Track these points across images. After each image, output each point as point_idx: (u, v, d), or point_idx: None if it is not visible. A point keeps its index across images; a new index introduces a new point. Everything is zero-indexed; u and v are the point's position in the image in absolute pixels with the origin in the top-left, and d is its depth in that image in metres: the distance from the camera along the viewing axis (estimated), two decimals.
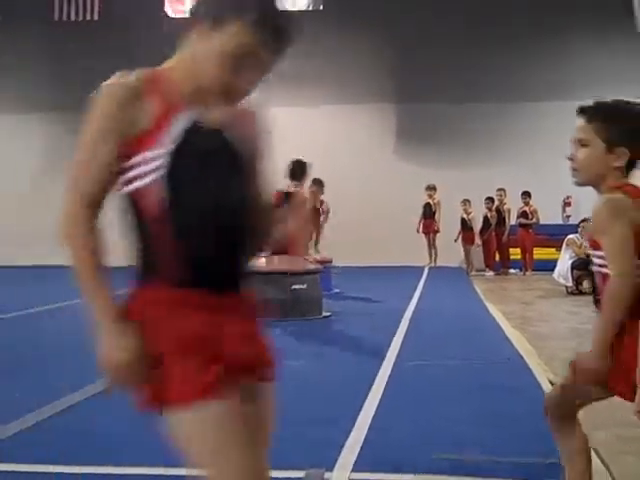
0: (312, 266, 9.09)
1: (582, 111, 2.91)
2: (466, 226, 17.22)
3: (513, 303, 9.98)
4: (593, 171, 2.89)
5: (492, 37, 18.96)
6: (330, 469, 3.54)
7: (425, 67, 19.05)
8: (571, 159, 2.93)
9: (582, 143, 2.89)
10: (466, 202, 17.14)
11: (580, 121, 2.91)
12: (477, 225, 17.26)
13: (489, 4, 19.11)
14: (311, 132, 19.40)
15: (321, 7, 17.77)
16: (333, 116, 19.47)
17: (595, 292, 2.84)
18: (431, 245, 17.70)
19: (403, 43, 19.21)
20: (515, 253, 17.06)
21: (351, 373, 5.84)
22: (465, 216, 17.27)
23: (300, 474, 3.49)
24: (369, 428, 4.22)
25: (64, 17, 17.83)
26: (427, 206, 17.66)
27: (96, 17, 17.83)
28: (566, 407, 2.97)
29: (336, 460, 3.66)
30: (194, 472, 1.92)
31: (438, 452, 3.60)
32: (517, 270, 17.05)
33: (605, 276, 2.77)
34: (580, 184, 2.98)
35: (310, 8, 17.77)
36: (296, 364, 6.25)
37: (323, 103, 19.28)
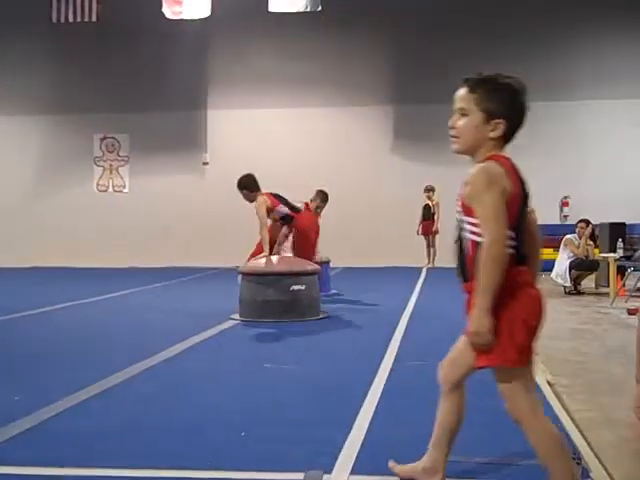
0: (310, 267, 9.08)
1: (465, 81, 3.04)
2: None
3: None
4: (471, 139, 3.02)
5: (491, 37, 18.98)
6: (329, 472, 3.54)
7: (424, 68, 19.05)
8: (452, 127, 3.07)
9: (462, 112, 3.02)
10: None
11: (462, 90, 3.04)
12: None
13: (488, 4, 19.12)
14: (312, 133, 19.43)
15: (319, 8, 17.75)
16: (333, 117, 19.46)
17: (461, 262, 2.90)
18: (430, 246, 17.70)
19: (402, 44, 19.22)
20: None
21: (349, 374, 5.84)
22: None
23: (299, 476, 3.49)
24: (367, 430, 4.21)
25: (62, 19, 17.81)
26: (426, 208, 17.68)
27: (94, 19, 17.81)
28: (456, 374, 3.19)
29: (334, 462, 3.66)
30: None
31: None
32: None
33: (476, 243, 2.89)
34: (458, 152, 3.10)
35: (308, 9, 17.77)
36: (294, 365, 6.25)
37: (323, 105, 19.28)
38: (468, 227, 2.95)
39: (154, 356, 6.62)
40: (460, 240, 3.03)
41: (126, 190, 20.45)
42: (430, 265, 17.41)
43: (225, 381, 5.74)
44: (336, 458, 3.72)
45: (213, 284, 14.75)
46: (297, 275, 8.77)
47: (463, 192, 2.98)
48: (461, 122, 3.02)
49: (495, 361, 2.90)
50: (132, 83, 19.92)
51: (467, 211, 2.95)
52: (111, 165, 20.49)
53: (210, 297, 12.08)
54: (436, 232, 17.48)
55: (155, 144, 20.02)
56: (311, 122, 19.41)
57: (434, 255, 17.60)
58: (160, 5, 17.92)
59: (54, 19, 17.95)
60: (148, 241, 19.64)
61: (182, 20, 18.30)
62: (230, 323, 8.77)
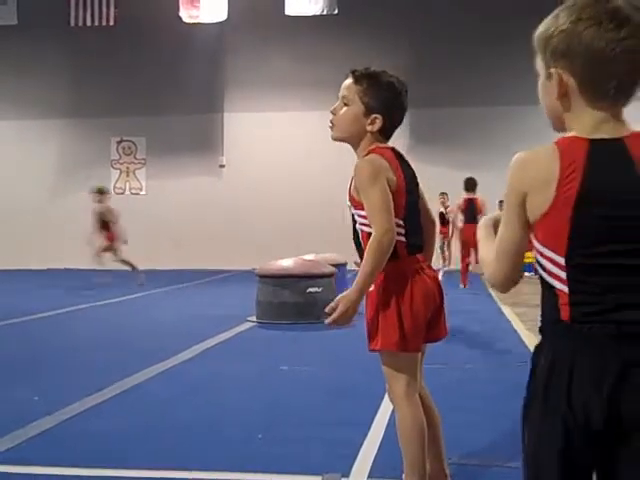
0: (327, 269, 9.08)
1: (352, 72, 3.11)
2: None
3: (525, 305, 9.97)
4: (347, 129, 3.10)
5: (507, 39, 18.91)
6: (346, 474, 3.54)
7: (441, 70, 19.03)
8: (332, 113, 3.16)
9: (345, 101, 3.10)
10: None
11: (349, 80, 3.11)
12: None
13: (503, 6, 19.05)
14: (328, 136, 19.38)
15: (336, 11, 17.77)
16: None
17: (359, 248, 2.99)
18: (446, 248, 17.64)
19: (419, 47, 19.20)
20: (528, 256, 16.92)
21: (366, 376, 5.83)
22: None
23: (316, 479, 3.49)
24: (385, 432, 4.20)
25: (80, 23, 17.92)
26: (441, 214, 17.61)
27: (112, 23, 17.91)
28: None
29: (352, 465, 3.66)
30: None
31: (455, 457, 3.58)
32: (531, 273, 16.94)
33: (367, 234, 2.96)
34: (335, 139, 3.20)
35: (325, 13, 17.79)
36: (311, 367, 6.25)
37: None
38: (359, 219, 3.03)
39: (171, 358, 6.64)
40: (355, 231, 3.09)
41: (143, 192, 20.52)
42: (447, 266, 17.34)
43: (242, 383, 5.75)
44: (354, 460, 3.71)
45: (230, 286, 14.78)
46: (314, 277, 8.77)
47: (351, 186, 3.04)
48: (342, 111, 3.10)
49: (378, 345, 2.98)
50: (149, 86, 19.99)
51: (356, 204, 3.02)
52: (128, 168, 20.58)
53: (227, 299, 12.10)
54: (451, 237, 17.38)
55: (172, 147, 20.08)
56: (327, 125, 19.41)
57: (449, 256, 17.51)
58: (177, 9, 17.99)
59: (72, 23, 18.06)
60: (164, 243, 19.69)
61: (199, 24, 18.36)
62: (247, 325, 8.78)
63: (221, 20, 18.28)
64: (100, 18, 17.81)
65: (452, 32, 19.07)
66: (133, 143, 20.53)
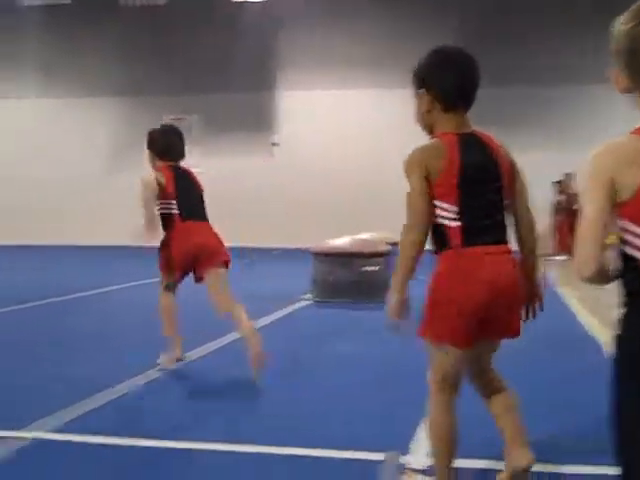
0: (382, 248, 9.03)
1: None
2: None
3: (586, 288, 9.80)
4: (418, 120, 3.02)
5: (563, 14, 18.56)
6: (406, 452, 3.51)
7: (498, 46, 18.73)
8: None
9: None
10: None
11: None
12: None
13: None
14: (381, 115, 19.23)
15: None
16: (405, 99, 19.27)
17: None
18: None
19: (482, 22, 18.92)
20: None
21: (424, 355, 5.78)
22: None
23: (376, 456, 3.47)
24: None
25: (130, 3, 18.04)
26: (558, 202, 17.31)
27: (162, 2, 17.98)
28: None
29: (411, 443, 3.63)
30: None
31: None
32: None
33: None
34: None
35: None
36: (368, 346, 6.23)
37: (394, 86, 19.11)
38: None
39: (226, 335, 6.66)
40: None
41: (196, 170, 20.59)
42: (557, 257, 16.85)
43: (299, 362, 5.74)
44: (413, 440, 3.69)
45: (282, 264, 14.81)
46: (369, 256, 8.73)
47: None
48: None
49: (419, 332, 2.92)
50: (202, 65, 20.04)
51: None
52: None
53: (280, 278, 12.12)
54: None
55: (224, 125, 20.13)
56: (381, 103, 19.26)
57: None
58: None
59: (122, 2, 18.16)
60: (217, 222, 19.74)
61: (250, 1, 18.32)
62: (302, 303, 8.78)
63: None
64: None
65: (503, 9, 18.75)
66: (187, 121, 20.60)
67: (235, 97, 20.01)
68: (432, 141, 2.91)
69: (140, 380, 5.03)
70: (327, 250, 8.91)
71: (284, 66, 20.00)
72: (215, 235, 5.31)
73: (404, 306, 2.84)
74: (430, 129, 2.97)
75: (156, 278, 5.61)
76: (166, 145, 5.55)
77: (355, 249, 8.81)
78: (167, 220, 5.28)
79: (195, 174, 5.69)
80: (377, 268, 8.67)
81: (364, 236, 9.67)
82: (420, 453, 3.51)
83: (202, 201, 5.51)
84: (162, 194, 5.25)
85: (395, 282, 2.85)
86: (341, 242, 9.00)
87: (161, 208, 5.28)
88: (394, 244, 9.76)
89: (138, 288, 10.38)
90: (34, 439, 3.78)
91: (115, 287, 10.50)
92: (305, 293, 9.15)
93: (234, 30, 19.60)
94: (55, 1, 18.95)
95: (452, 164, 2.79)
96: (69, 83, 20.95)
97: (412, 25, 18.96)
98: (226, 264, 5.21)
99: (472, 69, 2.95)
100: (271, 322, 7.51)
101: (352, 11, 19.15)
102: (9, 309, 8.39)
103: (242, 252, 16.87)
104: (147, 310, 8.38)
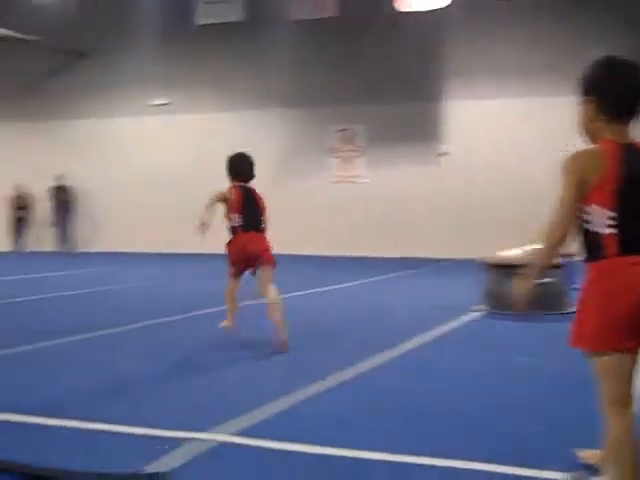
0: (558, 259, 8.72)
1: None
2: None
3: None
4: (581, 127, 3.03)
5: None
6: (589, 475, 3.34)
7: None
8: None
9: None
10: None
11: None
12: None
13: None
14: (552, 124, 18.64)
15: None
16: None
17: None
18: None
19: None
20: None
21: None
22: None
23: (555, 475, 3.35)
24: None
25: (301, 16, 18.35)
26: None
27: (333, 14, 18.17)
28: None
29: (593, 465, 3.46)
30: None
31: None
32: None
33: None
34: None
35: None
36: (545, 360, 6.02)
37: (560, 94, 18.57)
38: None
39: (400, 345, 6.63)
40: None
41: (361, 180, 20.74)
42: None
43: (476, 373, 5.63)
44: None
45: (451, 275, 14.62)
46: (546, 268, 8.43)
47: None
48: None
49: (571, 342, 2.93)
50: (368, 75, 20.14)
51: None
52: (347, 156, 20.87)
53: (448, 288, 11.96)
54: None
55: (391, 135, 20.14)
56: (551, 112, 18.70)
57: None
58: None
59: (294, 16, 18.53)
60: (382, 232, 19.84)
61: (415, 12, 18.25)
62: (473, 315, 8.63)
63: (440, 7, 18.05)
64: (321, 9, 18.14)
65: None
66: (353, 131, 20.79)
67: (402, 106, 19.98)
68: (592, 146, 2.93)
69: (320, 386, 5.06)
70: (501, 261, 8.72)
71: (453, 75, 19.78)
72: (264, 243, 6.87)
73: (532, 291, 3.08)
74: (592, 137, 2.98)
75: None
76: (237, 169, 7.07)
77: (530, 261, 8.54)
78: (233, 228, 6.85)
79: (258, 192, 7.26)
80: (554, 280, 8.39)
81: (537, 247, 9.36)
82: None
83: (261, 215, 7.03)
84: (230, 207, 6.84)
85: (532, 268, 3.10)
86: (515, 253, 8.77)
87: (229, 219, 6.85)
88: (567, 256, 9.45)
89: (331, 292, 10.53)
90: (219, 442, 3.86)
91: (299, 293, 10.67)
92: (475, 304, 8.97)
93: (403, 39, 19.58)
94: (228, 19, 19.58)
95: (611, 171, 2.79)
96: (239, 97, 21.57)
97: (580, 29, 18.33)
98: (270, 263, 6.77)
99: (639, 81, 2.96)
100: (441, 334, 7.42)
101: (517, 18, 18.74)
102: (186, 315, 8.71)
103: (406, 262, 16.88)
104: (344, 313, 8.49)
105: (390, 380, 5.38)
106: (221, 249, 7.03)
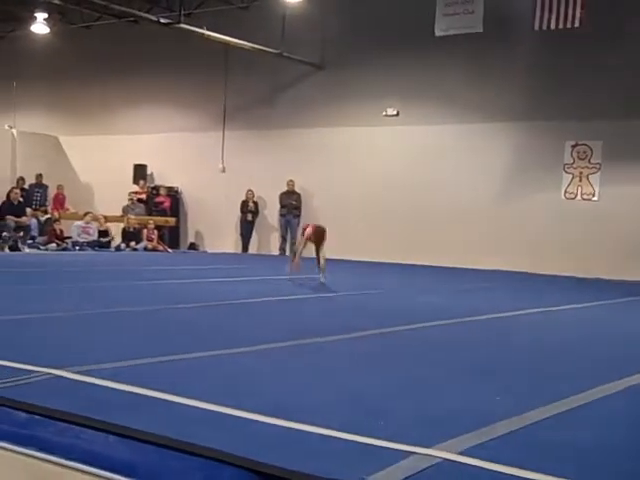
0: None
1: None
2: None
3: None
4: None
5: None
6: None
7: None
8: None
9: None
10: None
11: None
12: None
13: None
14: None
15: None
16: None
17: None
18: None
19: None
20: None
21: None
22: None
23: None
24: None
25: (544, 26, 17.85)
26: None
27: (577, 24, 17.54)
28: None
29: None
30: None
31: None
32: None
33: None
34: None
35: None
36: None
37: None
38: None
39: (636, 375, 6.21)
40: None
41: (595, 198, 19.85)
42: None
43: None
44: None
45: None
46: None
47: None
48: None
49: None
50: (607, 89, 19.22)
51: None
52: (581, 172, 20.05)
53: None
54: None
55: (630, 152, 19.12)
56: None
57: None
58: None
59: (536, 27, 18.06)
60: (614, 253, 18.90)
61: None
62: None
63: None
64: (566, 20, 17.55)
65: None
66: (589, 147, 19.93)
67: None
68: None
69: (552, 410, 4.82)
70: None
71: None
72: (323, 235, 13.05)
73: None
74: None
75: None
76: None
77: None
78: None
79: (322, 226, 13.19)
80: None
81: None
82: None
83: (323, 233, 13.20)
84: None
85: None
86: None
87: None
88: None
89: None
90: (442, 459, 3.74)
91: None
92: None
93: None
94: (468, 30, 19.43)
95: None
96: (468, 109, 21.33)
97: None
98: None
99: None
100: None
101: None
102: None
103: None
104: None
105: (618, 411, 5.03)
106: None
